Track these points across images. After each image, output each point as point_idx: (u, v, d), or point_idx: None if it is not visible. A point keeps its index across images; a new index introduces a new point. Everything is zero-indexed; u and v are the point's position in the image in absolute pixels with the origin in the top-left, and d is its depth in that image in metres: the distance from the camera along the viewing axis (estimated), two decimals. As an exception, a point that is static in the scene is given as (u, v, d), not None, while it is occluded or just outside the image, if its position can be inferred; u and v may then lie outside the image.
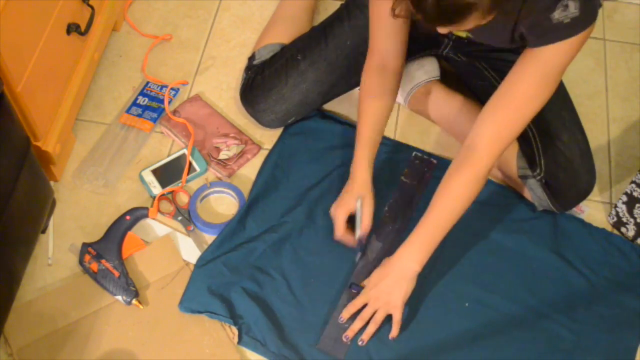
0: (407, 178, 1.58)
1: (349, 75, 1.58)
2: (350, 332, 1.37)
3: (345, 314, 1.38)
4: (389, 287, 1.36)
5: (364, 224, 1.43)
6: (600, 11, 1.20)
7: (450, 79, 1.77)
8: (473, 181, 1.32)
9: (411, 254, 1.36)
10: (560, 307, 1.44)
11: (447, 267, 1.47)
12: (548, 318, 1.42)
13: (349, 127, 1.64)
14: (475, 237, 1.51)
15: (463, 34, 1.44)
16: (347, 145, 1.61)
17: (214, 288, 1.41)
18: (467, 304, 1.43)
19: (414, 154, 1.62)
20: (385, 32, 1.38)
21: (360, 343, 1.36)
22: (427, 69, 1.66)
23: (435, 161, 1.60)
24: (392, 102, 1.47)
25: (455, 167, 1.33)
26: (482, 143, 1.30)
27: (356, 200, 1.43)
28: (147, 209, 1.50)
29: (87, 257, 1.42)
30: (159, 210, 1.51)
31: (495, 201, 1.55)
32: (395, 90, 1.46)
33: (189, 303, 1.39)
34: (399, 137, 1.66)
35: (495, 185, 1.58)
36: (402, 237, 1.40)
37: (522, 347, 1.39)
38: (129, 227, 1.48)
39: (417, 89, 1.66)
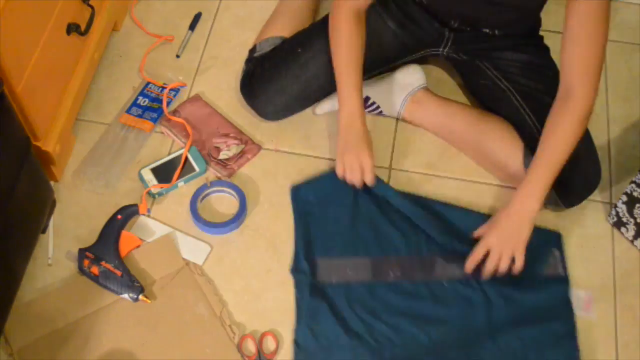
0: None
1: None
2: (487, 275, 1.43)
3: (470, 265, 1.43)
4: (513, 230, 1.41)
5: (367, 179, 1.50)
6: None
7: (448, 85, 1.77)
8: (577, 122, 1.39)
9: (531, 196, 1.41)
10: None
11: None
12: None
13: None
14: None
15: None
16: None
17: None
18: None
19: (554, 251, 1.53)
20: None
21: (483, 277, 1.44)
22: (416, 76, 1.64)
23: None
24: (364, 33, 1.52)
25: (558, 110, 1.40)
26: (576, 82, 1.37)
27: (357, 161, 1.49)
28: (136, 205, 1.50)
29: (86, 262, 1.41)
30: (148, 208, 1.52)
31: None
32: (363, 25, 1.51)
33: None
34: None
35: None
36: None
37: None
38: (122, 226, 1.47)
39: (409, 98, 1.64)
